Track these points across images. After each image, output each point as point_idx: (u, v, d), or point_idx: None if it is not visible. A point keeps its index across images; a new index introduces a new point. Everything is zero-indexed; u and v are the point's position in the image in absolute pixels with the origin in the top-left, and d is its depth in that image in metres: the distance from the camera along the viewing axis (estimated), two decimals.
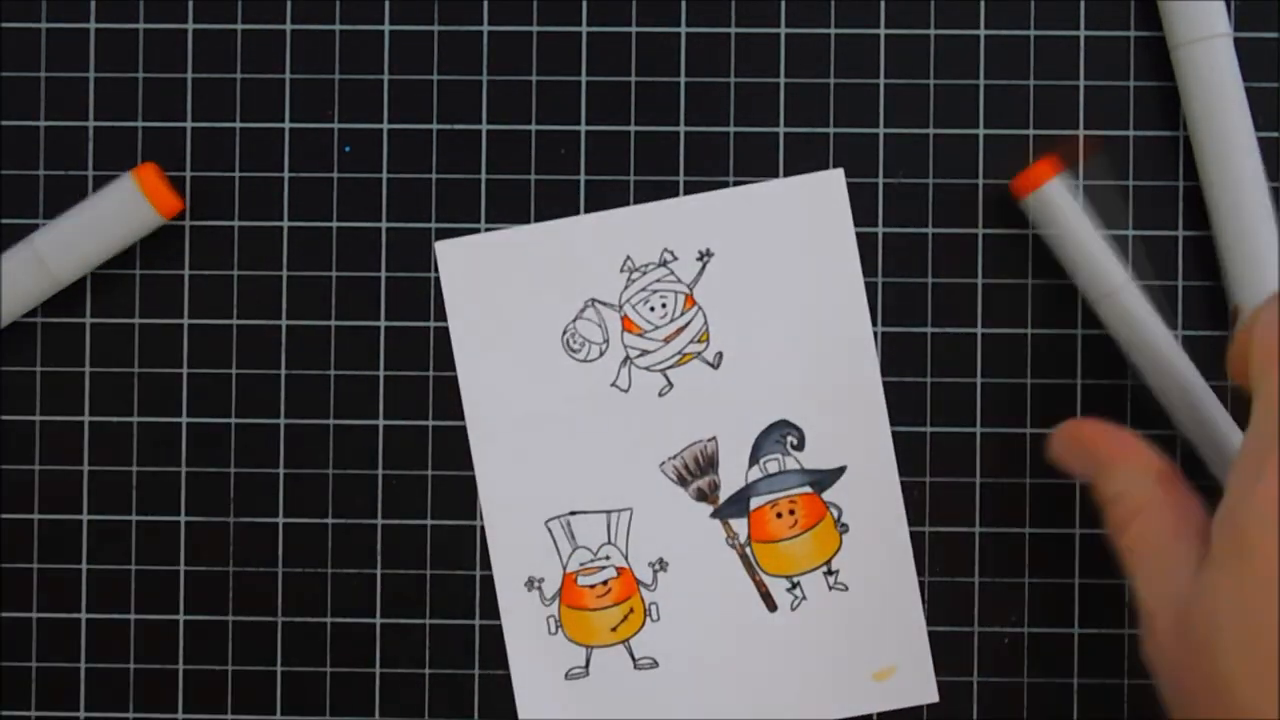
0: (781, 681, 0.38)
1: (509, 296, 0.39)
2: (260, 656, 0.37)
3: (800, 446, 0.38)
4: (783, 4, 0.39)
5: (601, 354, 0.39)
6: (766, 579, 0.38)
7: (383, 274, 0.39)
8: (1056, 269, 0.39)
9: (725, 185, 0.39)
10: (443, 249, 0.38)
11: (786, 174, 0.39)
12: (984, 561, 0.39)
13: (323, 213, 0.39)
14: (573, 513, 0.39)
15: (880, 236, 0.39)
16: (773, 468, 0.38)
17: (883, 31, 0.39)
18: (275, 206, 0.39)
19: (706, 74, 0.39)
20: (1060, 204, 0.37)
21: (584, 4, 0.39)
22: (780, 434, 0.38)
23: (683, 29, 0.39)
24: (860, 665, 0.38)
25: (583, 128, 0.39)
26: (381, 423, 0.39)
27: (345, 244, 0.39)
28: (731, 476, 0.39)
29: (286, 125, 0.39)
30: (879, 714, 0.38)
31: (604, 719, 0.38)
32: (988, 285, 0.39)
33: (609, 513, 0.39)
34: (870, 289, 0.39)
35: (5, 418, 0.39)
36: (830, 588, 0.38)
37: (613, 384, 0.39)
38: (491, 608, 0.39)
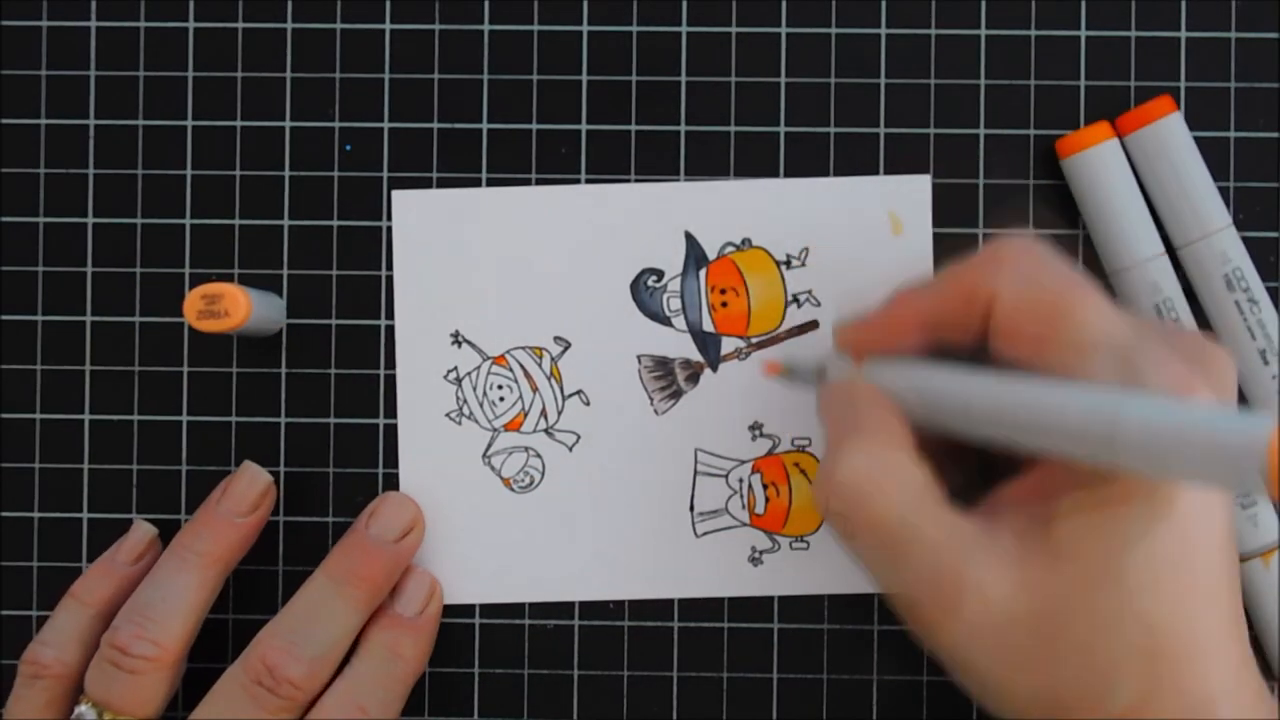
0: None
1: None
2: None
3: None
4: (783, 4, 0.39)
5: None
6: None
7: (382, 273, 0.39)
8: None
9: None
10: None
11: (787, 174, 0.39)
12: None
13: (323, 212, 0.39)
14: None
15: None
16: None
17: (883, 31, 0.39)
18: (275, 206, 0.39)
19: (706, 74, 0.39)
20: (1112, 163, 0.37)
21: (584, 4, 0.39)
22: (644, 281, 0.39)
23: (683, 29, 0.39)
24: None
25: (583, 127, 0.39)
26: (382, 422, 0.39)
27: (346, 243, 0.39)
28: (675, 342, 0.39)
29: (286, 125, 0.39)
30: None
31: None
32: None
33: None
34: None
35: (5, 417, 0.39)
36: None
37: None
38: (490, 607, 0.39)
